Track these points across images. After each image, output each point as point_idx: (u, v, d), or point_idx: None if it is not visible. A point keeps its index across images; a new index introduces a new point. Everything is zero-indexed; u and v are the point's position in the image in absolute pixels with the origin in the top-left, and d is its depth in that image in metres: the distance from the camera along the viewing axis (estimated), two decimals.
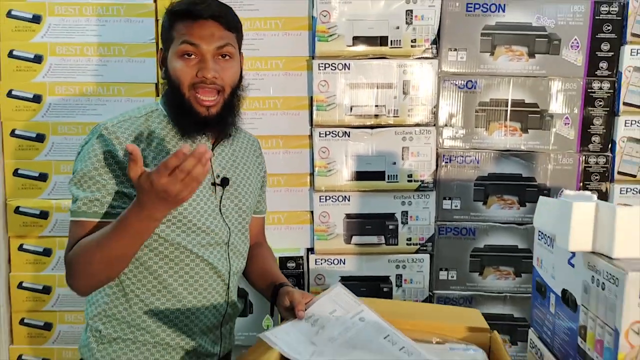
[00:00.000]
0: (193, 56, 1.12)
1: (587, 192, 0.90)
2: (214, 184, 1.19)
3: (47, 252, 1.79)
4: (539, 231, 1.03)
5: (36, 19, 1.72)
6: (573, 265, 0.88)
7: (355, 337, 1.04)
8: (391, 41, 1.73)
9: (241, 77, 1.21)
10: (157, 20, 1.74)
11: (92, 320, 1.18)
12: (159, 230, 1.12)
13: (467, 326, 1.14)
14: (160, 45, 1.20)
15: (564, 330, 0.91)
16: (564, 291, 0.91)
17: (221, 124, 1.17)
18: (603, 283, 0.77)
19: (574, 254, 0.87)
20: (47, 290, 1.80)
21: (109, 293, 1.16)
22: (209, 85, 1.11)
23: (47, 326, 1.81)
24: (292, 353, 0.95)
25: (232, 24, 1.15)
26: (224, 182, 1.20)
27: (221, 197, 1.20)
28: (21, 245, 1.79)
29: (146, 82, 1.76)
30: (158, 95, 1.76)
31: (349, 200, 1.78)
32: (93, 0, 1.73)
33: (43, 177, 1.77)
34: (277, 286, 1.22)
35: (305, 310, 1.10)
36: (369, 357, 0.98)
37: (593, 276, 0.80)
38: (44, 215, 1.77)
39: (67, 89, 1.75)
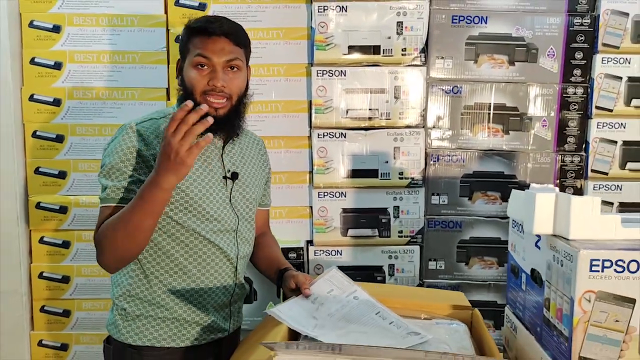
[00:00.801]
0: (205, 67, 1.27)
1: (550, 185, 1.06)
2: (225, 177, 1.34)
3: (66, 245, 1.92)
4: (512, 220, 1.19)
5: (56, 29, 1.85)
6: (539, 248, 1.03)
7: (351, 313, 1.18)
8: (383, 50, 1.87)
9: (247, 86, 1.36)
10: (167, 30, 1.87)
11: (117, 300, 1.32)
12: (177, 217, 1.27)
13: (451, 305, 1.29)
14: (178, 56, 1.35)
15: (533, 304, 1.07)
16: (533, 270, 1.07)
17: (228, 125, 1.32)
18: (561, 260, 0.93)
19: (539, 237, 1.03)
20: (65, 279, 1.92)
21: (132, 275, 1.31)
22: (218, 92, 1.26)
23: (66, 313, 1.94)
24: (297, 326, 1.09)
25: (241, 40, 1.31)
26: (234, 176, 1.36)
27: (231, 189, 1.35)
28: (42, 237, 1.91)
29: (157, 87, 1.89)
30: (169, 99, 1.89)
31: (345, 196, 1.91)
32: (109, 11, 1.86)
33: (62, 175, 1.90)
34: (282, 270, 1.37)
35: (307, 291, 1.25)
36: (363, 329, 1.12)
37: (554, 255, 0.96)
38: (63, 210, 1.90)
39: (85, 93, 1.88)
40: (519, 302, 1.17)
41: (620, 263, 0.86)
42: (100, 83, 1.88)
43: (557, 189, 1.02)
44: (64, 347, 1.95)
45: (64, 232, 1.91)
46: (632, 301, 0.87)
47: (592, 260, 0.86)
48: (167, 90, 1.90)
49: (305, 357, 0.91)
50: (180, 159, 1.10)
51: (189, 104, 1.11)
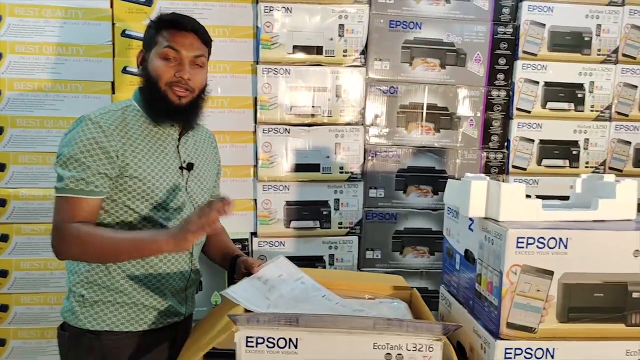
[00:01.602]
0: (172, 59, 1.33)
1: (482, 175, 1.19)
2: (181, 167, 1.39)
3: (4, 238, 1.88)
4: (448, 207, 1.32)
5: None
6: (472, 230, 1.16)
7: (300, 295, 1.26)
8: (326, 50, 1.97)
9: (206, 83, 1.43)
10: (113, 24, 1.88)
11: (74, 287, 1.34)
12: (134, 205, 1.31)
13: (392, 286, 1.40)
14: (141, 47, 1.40)
15: (466, 281, 1.20)
16: (466, 251, 1.20)
17: (187, 114, 1.38)
18: (492, 239, 1.06)
19: (472, 221, 1.16)
20: (3, 274, 1.89)
21: (90, 262, 1.33)
22: (183, 85, 1.32)
23: (3, 308, 1.90)
24: (251, 306, 1.15)
25: (207, 38, 1.39)
26: (189, 166, 1.41)
27: (187, 179, 1.40)
28: None
29: (102, 80, 1.89)
30: (114, 92, 1.90)
31: (288, 189, 1.99)
32: (52, 3, 1.84)
33: (1, 167, 1.86)
34: (235, 257, 1.45)
35: (256, 273, 1.32)
36: (313, 309, 1.21)
37: (486, 235, 1.09)
38: (1, 203, 1.86)
39: (26, 85, 1.85)
40: (453, 281, 1.30)
41: (541, 240, 1.00)
42: (43, 75, 1.86)
43: (488, 177, 1.15)
44: (1, 343, 1.92)
45: (2, 225, 1.88)
46: (551, 273, 1.01)
47: (518, 238, 1.00)
48: (112, 83, 1.91)
49: (265, 332, 0.99)
50: (188, 236, 1.20)
51: (229, 200, 1.19)
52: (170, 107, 1.34)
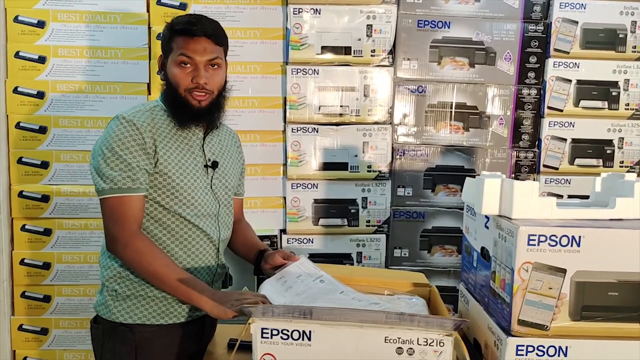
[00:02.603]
0: (188, 65, 1.37)
1: (498, 173, 1.20)
2: (206, 166, 1.45)
3: (47, 232, 1.98)
4: (466, 205, 1.33)
5: (41, 24, 1.92)
6: (488, 228, 1.17)
7: (317, 293, 1.28)
8: (354, 51, 1.99)
9: (226, 81, 1.47)
10: (149, 28, 1.96)
11: (107, 282, 1.41)
12: (164, 202, 1.36)
13: (412, 282, 1.42)
14: (160, 53, 1.45)
15: (482, 278, 1.21)
16: (482, 248, 1.20)
17: (209, 115, 1.43)
18: (505, 237, 1.06)
19: (488, 218, 1.16)
20: (46, 266, 1.99)
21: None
22: (200, 89, 1.37)
23: (46, 299, 2.01)
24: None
25: (221, 40, 1.42)
26: (214, 164, 1.47)
27: (212, 177, 1.46)
28: (23, 225, 1.98)
29: (139, 82, 1.98)
30: (150, 94, 1.98)
31: (317, 188, 2.03)
32: (92, 9, 1.94)
33: (45, 165, 1.97)
34: (262, 251, 1.50)
35: (276, 274, 1.36)
36: (328, 304, 1.24)
37: (499, 233, 1.10)
38: (45, 199, 1.97)
39: (68, 86, 1.95)
40: (470, 279, 1.31)
41: (553, 238, 1.01)
42: (83, 77, 1.96)
43: (503, 175, 1.15)
44: (44, 332, 2.02)
45: (45, 220, 1.98)
46: (563, 271, 1.01)
47: (529, 235, 1.00)
48: (148, 85, 1.99)
49: (280, 324, 1.03)
50: (232, 309, 1.21)
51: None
52: (192, 111, 1.39)
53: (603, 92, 2.04)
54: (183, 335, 1.43)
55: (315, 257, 2.01)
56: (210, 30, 1.39)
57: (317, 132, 2.00)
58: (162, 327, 1.40)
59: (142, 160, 1.33)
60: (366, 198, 2.04)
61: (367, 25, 1.98)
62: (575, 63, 2.02)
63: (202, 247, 1.42)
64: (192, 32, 1.37)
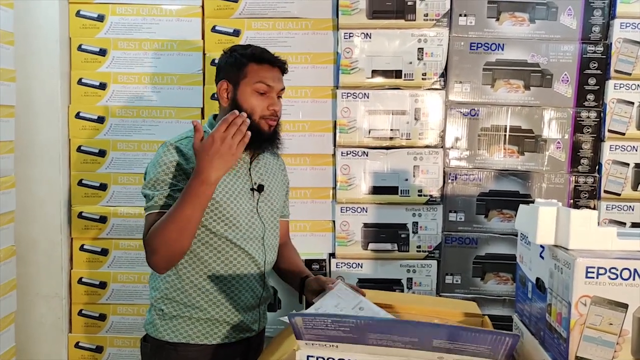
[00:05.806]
0: (265, 94, 1.42)
1: (554, 200, 1.15)
2: (252, 189, 1.47)
3: (104, 252, 2.05)
4: (520, 233, 1.28)
5: (102, 52, 2.01)
6: (543, 258, 1.12)
7: None
8: (405, 74, 1.98)
9: None
10: (204, 55, 2.02)
11: (156, 302, 1.44)
12: (210, 226, 1.39)
13: (463, 312, 1.38)
14: (213, 78, 1.50)
15: (537, 310, 1.16)
16: (537, 279, 1.15)
17: (277, 140, 1.50)
18: (561, 268, 1.02)
19: (543, 248, 1.12)
20: (102, 285, 2.06)
21: (169, 280, 1.43)
22: (275, 116, 1.44)
23: (102, 317, 2.07)
24: None
25: (285, 71, 1.49)
26: (260, 188, 1.48)
27: (258, 200, 1.47)
28: (82, 245, 2.05)
29: (193, 107, 2.03)
30: (203, 117, 2.03)
31: (366, 212, 2.01)
32: (150, 37, 2.02)
33: (103, 187, 2.04)
34: (304, 278, 1.49)
35: (314, 304, 1.34)
36: None
37: (555, 264, 1.05)
38: (102, 220, 2.04)
39: (126, 111, 2.03)
40: (525, 310, 1.25)
41: (613, 271, 0.95)
42: (141, 102, 2.03)
43: (560, 203, 1.11)
44: (99, 349, 2.08)
45: (102, 240, 2.05)
46: (625, 306, 0.95)
47: (587, 267, 0.95)
48: (202, 109, 2.04)
49: (327, 351, 1.01)
50: (233, 150, 1.25)
51: (238, 113, 1.27)
52: (263, 137, 1.44)
53: None
54: (227, 356, 1.45)
55: (364, 283, 1.99)
56: (283, 62, 1.47)
57: (366, 155, 2.00)
58: (206, 347, 1.42)
59: (184, 183, 1.36)
60: (417, 223, 2.01)
61: (419, 48, 1.97)
62: (638, 85, 1.94)
63: (247, 269, 1.44)
64: (272, 61, 1.44)
